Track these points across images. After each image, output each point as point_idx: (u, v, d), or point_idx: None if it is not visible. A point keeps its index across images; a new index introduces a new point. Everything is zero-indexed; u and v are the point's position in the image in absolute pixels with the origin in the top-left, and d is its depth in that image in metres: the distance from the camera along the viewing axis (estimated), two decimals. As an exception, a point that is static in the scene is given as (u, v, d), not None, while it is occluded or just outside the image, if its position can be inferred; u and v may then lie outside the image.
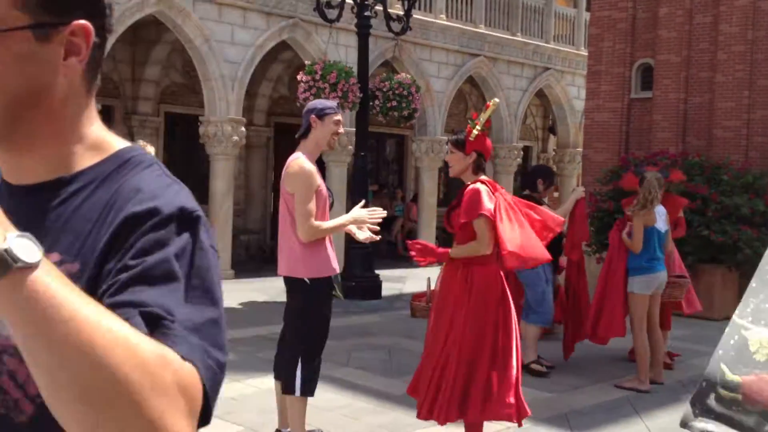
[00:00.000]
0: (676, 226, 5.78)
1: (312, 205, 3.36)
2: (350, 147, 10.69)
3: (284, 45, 11.16)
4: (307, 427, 3.52)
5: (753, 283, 1.84)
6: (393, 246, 14.16)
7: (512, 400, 3.36)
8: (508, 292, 3.53)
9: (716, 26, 9.33)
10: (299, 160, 3.46)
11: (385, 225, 14.25)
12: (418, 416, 3.58)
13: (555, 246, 5.44)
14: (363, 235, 3.53)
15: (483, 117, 3.55)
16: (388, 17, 9.13)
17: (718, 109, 9.31)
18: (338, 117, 3.56)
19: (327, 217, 3.48)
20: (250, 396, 4.60)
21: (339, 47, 10.86)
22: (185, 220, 0.75)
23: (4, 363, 0.75)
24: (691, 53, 9.55)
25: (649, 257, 5.12)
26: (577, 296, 5.62)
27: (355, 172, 9.20)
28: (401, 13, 9.41)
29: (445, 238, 13.76)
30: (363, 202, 3.85)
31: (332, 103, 3.68)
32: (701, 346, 6.76)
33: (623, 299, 5.30)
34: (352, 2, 8.85)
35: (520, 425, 3.50)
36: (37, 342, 0.58)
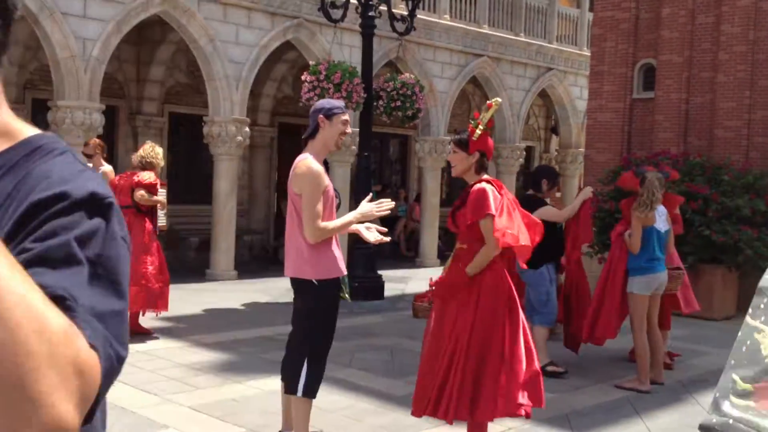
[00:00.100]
0: (673, 223, 5.81)
1: (319, 206, 3.35)
2: (354, 147, 10.74)
3: (288, 45, 11.20)
4: (309, 429, 3.54)
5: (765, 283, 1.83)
6: (396, 246, 14.20)
7: (522, 397, 3.40)
8: (514, 290, 3.58)
9: (718, 27, 9.35)
10: (307, 161, 3.44)
11: (388, 225, 14.29)
12: (414, 413, 3.61)
13: (557, 245, 5.48)
14: (372, 236, 3.55)
15: (485, 117, 3.56)
16: (392, 17, 9.16)
17: (720, 109, 9.33)
18: (346, 117, 3.56)
19: (334, 217, 3.48)
20: (252, 397, 4.64)
21: (343, 47, 10.90)
22: (96, 206, 0.71)
23: None
24: (693, 53, 9.57)
25: (649, 257, 5.14)
26: (580, 294, 5.64)
27: (359, 172, 9.25)
28: (405, 13, 9.44)
29: (447, 238, 13.81)
30: (370, 195, 3.82)
31: (340, 102, 3.66)
32: (701, 346, 6.80)
33: (620, 300, 5.34)
34: (356, 2, 8.89)
35: (528, 417, 3.52)
36: None
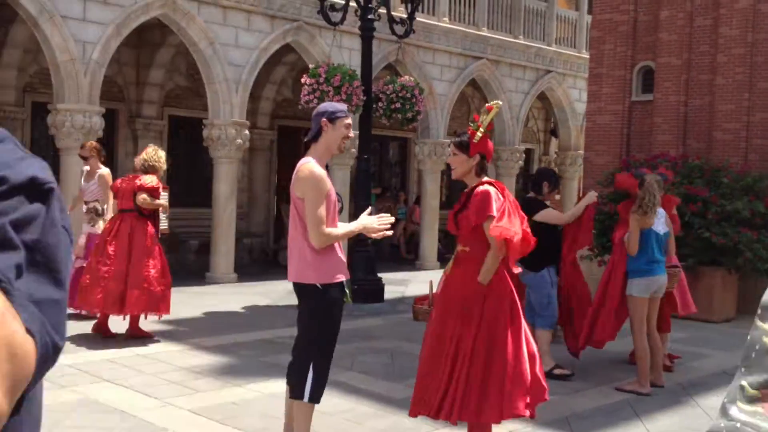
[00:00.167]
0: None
1: (323, 210, 3.33)
2: (353, 150, 10.75)
3: (288, 48, 11.21)
4: (310, 432, 3.54)
5: None
6: (396, 249, 14.21)
7: (528, 397, 3.42)
8: (515, 292, 3.59)
9: (716, 29, 9.37)
10: (309, 165, 3.41)
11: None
12: (412, 413, 3.62)
13: (557, 247, 5.49)
14: (374, 227, 3.53)
15: (486, 119, 3.57)
16: (391, 20, 9.18)
17: (718, 111, 9.35)
18: (349, 120, 3.54)
19: (336, 222, 3.47)
20: (252, 401, 4.64)
21: (343, 50, 10.91)
22: (36, 191, 0.69)
23: None
24: (691, 56, 9.59)
25: (648, 260, 5.14)
26: (579, 295, 5.65)
27: (358, 175, 9.25)
28: (404, 16, 9.46)
29: (447, 241, 13.81)
30: (370, 209, 3.81)
31: (342, 106, 3.62)
32: (701, 348, 6.80)
33: (619, 302, 5.35)
34: (355, 5, 8.90)
35: (533, 417, 3.53)
36: None
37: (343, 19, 8.85)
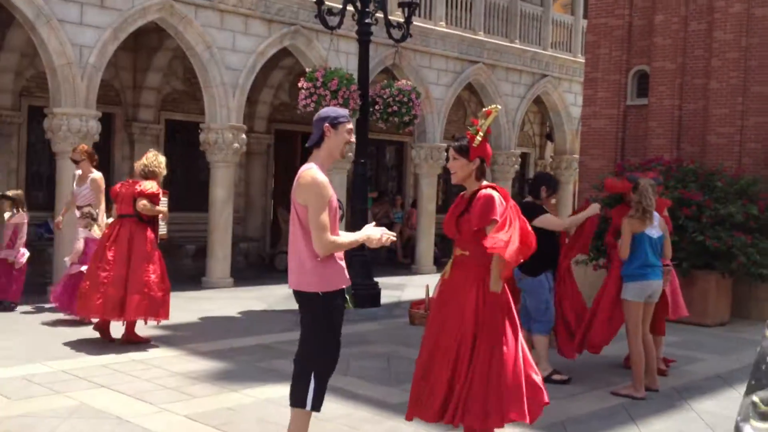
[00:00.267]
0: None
1: (326, 217, 3.30)
2: (350, 154, 10.76)
3: (285, 52, 11.23)
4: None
5: None
6: (392, 253, 14.22)
7: (526, 401, 3.43)
8: (510, 296, 3.62)
9: (711, 33, 9.42)
10: (311, 171, 3.38)
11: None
12: (408, 417, 3.63)
13: (555, 253, 5.51)
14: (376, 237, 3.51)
15: (485, 123, 3.59)
16: (388, 24, 9.21)
17: (712, 115, 9.39)
18: (351, 125, 3.52)
19: (337, 228, 3.44)
20: (248, 406, 4.64)
21: (340, 54, 10.94)
22: None
23: None
24: (685, 60, 9.64)
25: (641, 264, 5.16)
26: (574, 301, 5.66)
27: (355, 179, 9.27)
28: (401, 20, 9.49)
29: (443, 245, 13.83)
30: (374, 223, 3.77)
31: (344, 111, 3.59)
32: (695, 352, 6.83)
33: (613, 306, 5.38)
34: (352, 9, 8.93)
35: (533, 421, 3.54)
36: None
37: (341, 23, 8.88)
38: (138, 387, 4.96)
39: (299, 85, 8.57)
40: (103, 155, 11.40)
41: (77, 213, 7.32)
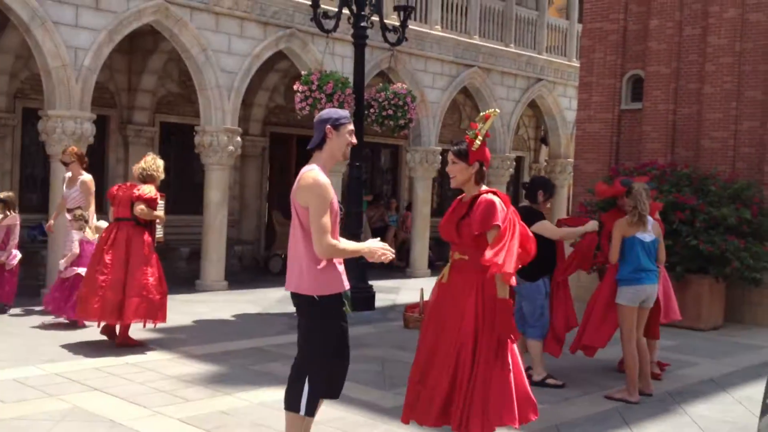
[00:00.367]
0: None
1: (327, 219, 3.28)
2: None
3: (281, 55, 11.23)
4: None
5: None
6: (387, 255, 14.18)
7: (516, 406, 3.44)
8: None
9: (705, 38, 9.47)
10: (313, 173, 3.36)
11: (379, 234, 14.25)
12: (404, 419, 3.62)
13: (553, 258, 5.52)
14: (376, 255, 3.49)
15: (484, 127, 3.60)
16: (384, 28, 9.22)
17: (706, 120, 9.43)
18: (352, 126, 3.51)
19: (337, 230, 3.43)
20: (242, 409, 4.63)
21: (335, 57, 10.94)
22: None
23: None
24: (680, 65, 9.68)
25: (634, 268, 5.16)
26: (565, 309, 5.67)
27: (350, 182, 9.27)
28: (397, 23, 9.49)
29: (438, 248, 13.84)
30: (378, 238, 3.71)
31: (345, 112, 3.58)
32: (690, 356, 6.85)
33: (605, 309, 5.39)
34: (348, 13, 8.94)
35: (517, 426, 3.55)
36: None
37: (336, 26, 8.89)
38: (131, 390, 4.95)
39: (294, 88, 8.56)
40: (97, 158, 11.39)
41: (68, 216, 7.30)
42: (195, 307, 8.56)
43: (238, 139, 10.41)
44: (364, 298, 8.71)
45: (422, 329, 3.76)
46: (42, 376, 5.22)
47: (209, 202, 10.24)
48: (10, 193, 8.14)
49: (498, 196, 3.57)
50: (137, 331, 6.51)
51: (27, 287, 8.64)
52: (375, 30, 9.42)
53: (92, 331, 6.68)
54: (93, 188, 7.41)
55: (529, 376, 5.43)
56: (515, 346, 3.58)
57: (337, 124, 3.44)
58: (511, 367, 3.48)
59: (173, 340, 6.62)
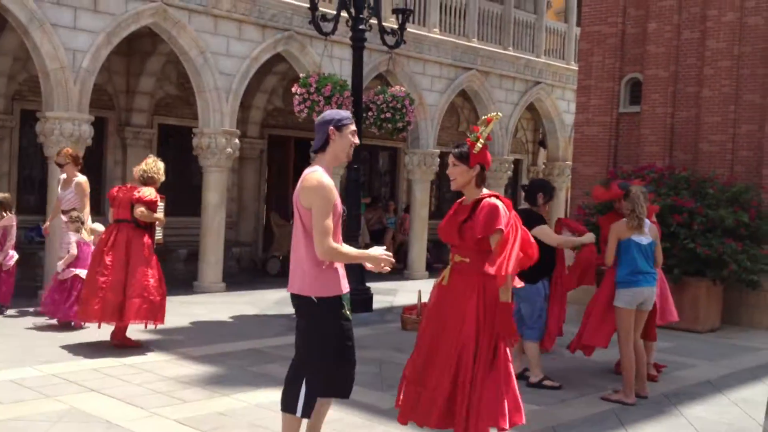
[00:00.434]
0: None
1: (330, 221, 3.27)
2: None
3: (279, 57, 11.25)
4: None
5: None
6: (385, 257, 14.19)
7: (509, 407, 3.45)
8: None
9: (703, 42, 9.49)
10: (317, 174, 3.35)
11: (377, 236, 14.25)
12: (401, 420, 3.63)
13: (552, 261, 5.52)
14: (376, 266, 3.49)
15: (485, 130, 3.61)
16: (382, 31, 9.23)
17: (705, 123, 9.45)
18: (354, 127, 3.51)
19: (339, 231, 3.42)
20: (239, 410, 4.62)
21: (333, 60, 10.96)
22: None
23: None
24: (678, 68, 9.70)
25: (631, 271, 5.17)
26: (560, 307, 5.69)
27: (348, 184, 9.28)
28: (395, 26, 9.51)
29: (436, 251, 13.84)
30: (384, 247, 3.71)
31: (347, 113, 3.58)
32: (686, 358, 6.86)
33: (603, 309, 5.40)
34: (346, 15, 8.95)
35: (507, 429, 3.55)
36: None
37: (335, 29, 8.90)
38: (128, 391, 4.94)
39: (293, 90, 8.57)
40: (95, 160, 11.40)
41: (63, 217, 7.30)
42: (193, 309, 8.55)
43: (236, 141, 10.42)
44: (362, 300, 8.71)
45: (420, 330, 3.76)
46: (39, 377, 5.22)
47: (207, 203, 10.24)
48: (7, 195, 8.15)
49: (500, 200, 3.58)
50: (135, 332, 6.50)
51: (24, 288, 8.64)
52: (373, 33, 9.44)
53: (89, 333, 6.68)
54: (88, 190, 7.41)
55: (527, 378, 5.47)
56: (508, 350, 3.59)
57: (339, 125, 3.43)
58: (506, 369, 3.49)
59: (171, 342, 6.61)
